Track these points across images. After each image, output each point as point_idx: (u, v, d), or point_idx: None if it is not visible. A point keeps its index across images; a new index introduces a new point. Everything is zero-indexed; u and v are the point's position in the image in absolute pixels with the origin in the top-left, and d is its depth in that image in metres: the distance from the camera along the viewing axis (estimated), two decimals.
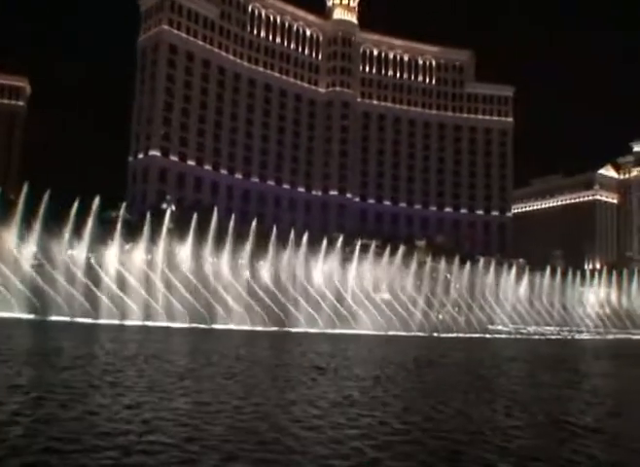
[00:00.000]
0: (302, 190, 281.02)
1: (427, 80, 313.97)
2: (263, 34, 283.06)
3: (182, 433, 18.30)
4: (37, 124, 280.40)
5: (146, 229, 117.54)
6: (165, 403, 22.95)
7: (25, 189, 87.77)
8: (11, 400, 21.85)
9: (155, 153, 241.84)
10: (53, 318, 78.59)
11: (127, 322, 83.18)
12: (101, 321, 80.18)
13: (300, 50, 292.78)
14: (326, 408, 23.61)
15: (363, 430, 20.05)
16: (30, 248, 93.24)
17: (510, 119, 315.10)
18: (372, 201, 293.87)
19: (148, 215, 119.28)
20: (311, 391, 27.80)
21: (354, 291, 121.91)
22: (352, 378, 33.19)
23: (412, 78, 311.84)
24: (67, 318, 79.29)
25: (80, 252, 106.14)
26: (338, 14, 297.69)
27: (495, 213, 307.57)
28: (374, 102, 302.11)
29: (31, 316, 78.69)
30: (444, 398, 27.72)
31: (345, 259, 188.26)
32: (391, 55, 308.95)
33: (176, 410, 21.78)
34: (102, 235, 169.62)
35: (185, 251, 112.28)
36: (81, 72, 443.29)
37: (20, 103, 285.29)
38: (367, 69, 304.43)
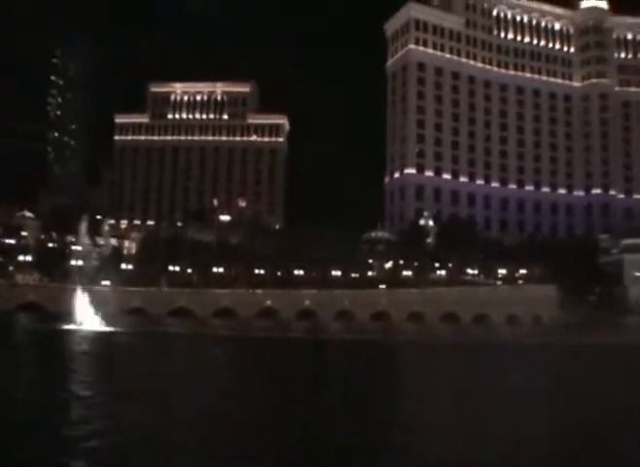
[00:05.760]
0: (562, 191, 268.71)
1: None
2: (510, 36, 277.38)
3: None
4: (296, 155, 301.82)
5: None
6: None
7: None
8: None
9: (410, 171, 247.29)
10: None
11: None
12: None
13: (550, 45, 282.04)
14: None
15: None
16: None
17: None
18: (638, 196, 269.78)
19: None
20: None
21: None
22: None
23: None
24: None
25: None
26: (587, 2, 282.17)
27: None
28: (633, 89, 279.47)
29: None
30: None
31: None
32: None
33: None
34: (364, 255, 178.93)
35: None
36: (332, 102, 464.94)
37: (280, 139, 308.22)
38: (622, 55, 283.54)
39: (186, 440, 20.99)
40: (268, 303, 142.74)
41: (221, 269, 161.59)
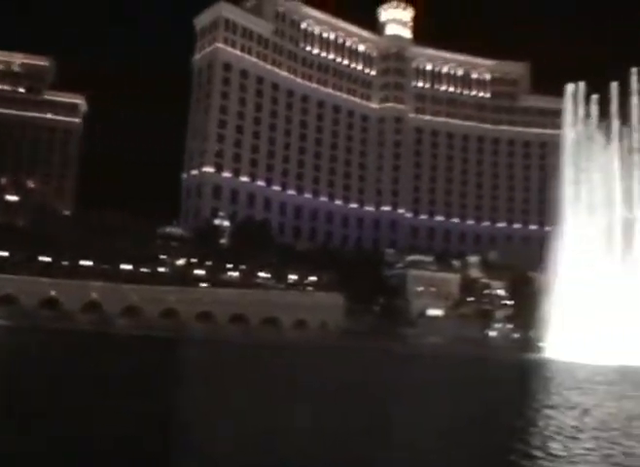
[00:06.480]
0: (354, 206, 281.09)
1: (481, 94, 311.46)
2: (316, 51, 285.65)
3: None
4: (93, 140, 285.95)
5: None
6: None
7: None
8: None
9: (208, 169, 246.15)
10: None
11: None
12: None
13: (353, 66, 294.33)
14: None
15: None
16: None
17: None
18: (424, 217, 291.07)
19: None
20: None
21: None
22: None
23: (466, 92, 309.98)
24: None
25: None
26: (392, 29, 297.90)
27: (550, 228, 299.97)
28: (427, 117, 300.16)
29: None
30: None
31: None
32: (445, 70, 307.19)
33: None
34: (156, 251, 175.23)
35: None
36: (136, 88, 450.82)
37: (76, 120, 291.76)
38: (420, 84, 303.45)
39: None
40: (52, 293, 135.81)
41: (4, 253, 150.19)
